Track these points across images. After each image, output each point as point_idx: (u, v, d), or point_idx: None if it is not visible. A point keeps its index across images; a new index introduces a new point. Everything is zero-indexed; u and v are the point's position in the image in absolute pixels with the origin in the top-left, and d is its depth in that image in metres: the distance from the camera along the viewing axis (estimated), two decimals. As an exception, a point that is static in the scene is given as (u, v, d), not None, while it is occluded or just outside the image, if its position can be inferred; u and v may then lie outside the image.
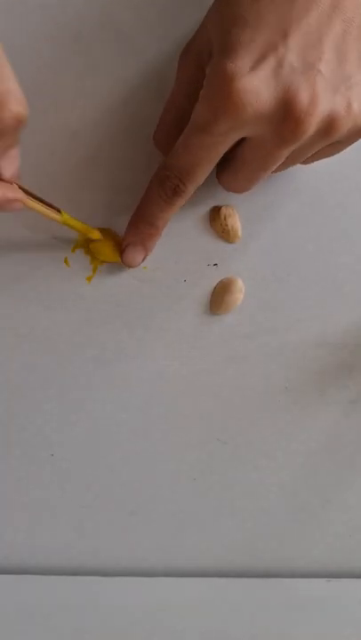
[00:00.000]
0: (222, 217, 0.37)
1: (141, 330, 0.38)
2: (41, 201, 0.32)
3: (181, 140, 0.30)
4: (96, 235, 0.36)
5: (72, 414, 0.39)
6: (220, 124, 0.27)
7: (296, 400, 0.39)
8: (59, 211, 0.33)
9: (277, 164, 0.30)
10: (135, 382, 0.39)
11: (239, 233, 0.37)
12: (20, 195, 0.30)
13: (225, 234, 0.37)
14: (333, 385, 0.39)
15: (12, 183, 0.30)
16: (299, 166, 0.37)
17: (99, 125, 0.35)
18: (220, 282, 0.38)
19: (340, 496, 0.40)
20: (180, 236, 0.37)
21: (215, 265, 0.38)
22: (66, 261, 0.37)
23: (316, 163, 0.37)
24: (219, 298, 0.38)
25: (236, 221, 0.37)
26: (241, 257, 0.38)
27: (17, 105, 0.26)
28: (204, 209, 0.37)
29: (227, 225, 0.37)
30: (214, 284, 0.38)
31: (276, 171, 0.32)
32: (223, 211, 0.37)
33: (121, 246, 0.36)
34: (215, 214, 0.37)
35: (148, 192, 0.33)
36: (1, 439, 0.39)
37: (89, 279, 0.38)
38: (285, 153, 0.29)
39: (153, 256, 0.37)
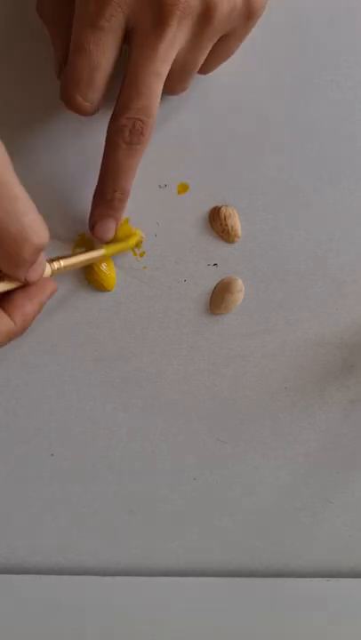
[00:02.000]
0: (222, 217, 0.37)
1: (141, 329, 0.38)
2: (77, 254, 0.34)
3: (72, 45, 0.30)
4: (135, 240, 0.37)
5: (72, 414, 0.39)
6: (106, 9, 0.28)
7: (296, 400, 0.39)
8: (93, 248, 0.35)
9: (164, 65, 0.30)
10: (135, 382, 0.39)
11: (239, 233, 0.37)
12: (52, 284, 0.32)
13: (225, 234, 0.37)
14: (333, 385, 0.39)
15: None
16: (297, 165, 0.37)
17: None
18: (220, 282, 0.38)
19: (340, 495, 0.40)
20: (180, 235, 0.37)
21: (215, 265, 0.38)
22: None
23: (314, 162, 0.37)
24: (219, 298, 0.38)
25: (236, 221, 0.37)
26: (241, 257, 0.38)
27: (38, 238, 0.27)
28: (205, 209, 0.37)
29: (227, 225, 0.37)
30: (214, 284, 0.38)
31: (176, 84, 0.32)
32: (223, 211, 0.37)
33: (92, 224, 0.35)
34: (215, 214, 0.37)
35: (108, 154, 0.32)
36: (1, 439, 0.39)
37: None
38: (167, 47, 0.29)
39: (153, 256, 0.37)
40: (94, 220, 0.35)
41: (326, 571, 0.41)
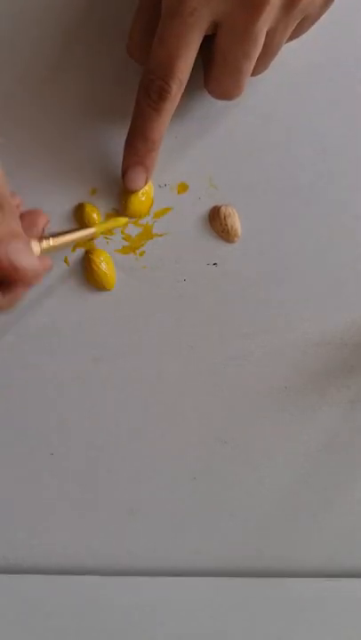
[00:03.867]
0: (222, 217, 0.37)
1: (141, 329, 0.38)
2: (67, 232, 0.34)
3: (157, 37, 0.30)
4: (124, 221, 0.37)
5: (72, 414, 0.39)
6: (187, 2, 0.29)
7: (296, 400, 0.39)
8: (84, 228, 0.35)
9: (256, 47, 0.31)
10: (135, 382, 0.39)
11: (239, 232, 0.37)
12: (48, 261, 0.33)
13: (225, 233, 0.37)
14: (334, 385, 0.39)
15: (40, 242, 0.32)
16: (297, 165, 0.37)
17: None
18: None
19: (340, 495, 0.40)
20: (179, 235, 0.37)
21: (215, 264, 0.38)
22: (66, 261, 0.37)
23: (314, 162, 0.37)
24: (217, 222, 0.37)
25: (236, 221, 0.37)
26: (241, 257, 0.38)
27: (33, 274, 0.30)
28: (204, 209, 0.37)
29: (227, 225, 0.37)
30: (214, 283, 0.38)
31: (259, 65, 0.33)
32: (223, 210, 0.37)
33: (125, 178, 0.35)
34: (215, 214, 0.37)
35: (136, 106, 0.33)
36: (1, 439, 0.39)
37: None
38: (259, 29, 0.30)
39: (153, 255, 0.37)
40: (125, 168, 0.35)
41: (326, 571, 0.41)
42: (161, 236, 0.37)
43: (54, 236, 0.33)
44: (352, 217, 0.38)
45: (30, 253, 0.30)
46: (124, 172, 0.35)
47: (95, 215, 0.37)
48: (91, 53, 0.35)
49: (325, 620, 0.40)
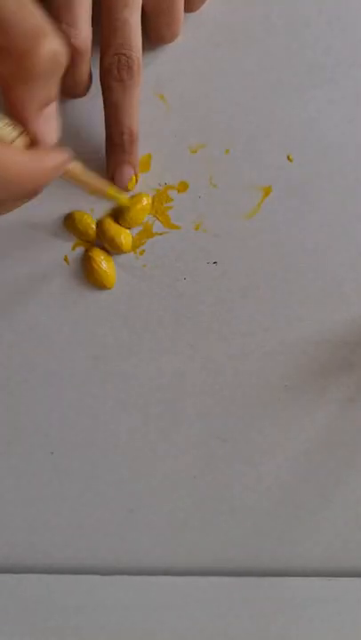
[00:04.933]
0: None
1: (141, 328, 0.38)
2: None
3: (106, 21, 0.30)
4: (127, 202, 0.36)
5: (72, 412, 0.39)
6: None
7: (296, 398, 0.39)
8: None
9: None
10: (135, 380, 0.39)
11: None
12: (68, 157, 0.27)
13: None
14: (333, 383, 0.39)
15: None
16: (296, 164, 0.37)
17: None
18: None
19: (341, 494, 0.40)
20: (179, 234, 0.37)
21: (215, 263, 0.38)
22: (66, 259, 0.37)
23: (315, 161, 0.37)
24: None
25: None
26: (240, 255, 0.38)
27: (54, 40, 0.23)
28: (205, 208, 0.37)
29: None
30: (214, 282, 0.38)
31: (164, 24, 0.33)
32: None
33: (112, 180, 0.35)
34: None
35: (107, 94, 0.32)
36: (1, 437, 0.39)
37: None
38: None
39: (153, 254, 0.38)
40: (112, 169, 0.35)
41: (326, 570, 0.41)
42: (161, 234, 0.37)
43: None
44: (352, 216, 0.38)
45: (57, 126, 0.26)
46: (113, 173, 0.35)
47: (88, 219, 0.37)
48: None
49: (325, 619, 0.40)
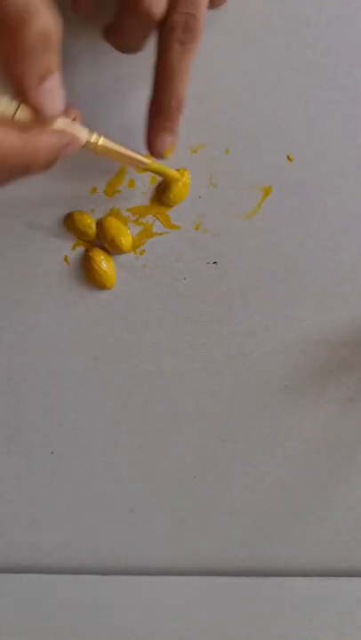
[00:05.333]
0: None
1: (141, 328, 0.38)
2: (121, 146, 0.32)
3: None
4: (177, 175, 0.35)
5: (72, 412, 0.39)
6: None
7: (296, 398, 0.39)
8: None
9: None
10: (135, 380, 0.39)
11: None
12: (75, 136, 0.27)
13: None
14: (333, 383, 0.39)
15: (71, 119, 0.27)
16: (296, 164, 0.37)
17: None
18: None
19: (340, 494, 0.40)
20: (179, 234, 0.37)
21: (215, 263, 0.38)
22: (66, 259, 0.37)
23: (313, 161, 0.37)
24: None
25: None
26: (241, 255, 0.38)
27: (44, 17, 0.23)
28: (205, 208, 0.37)
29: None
30: (214, 282, 0.38)
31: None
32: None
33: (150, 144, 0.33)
34: None
35: (164, 55, 0.31)
36: (1, 437, 0.39)
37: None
38: None
39: (153, 254, 0.38)
40: (153, 133, 0.33)
41: (326, 570, 0.41)
42: (161, 234, 0.37)
43: (105, 137, 0.31)
44: (352, 216, 0.38)
45: (59, 97, 0.25)
46: (154, 137, 0.33)
47: (88, 219, 0.37)
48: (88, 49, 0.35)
49: (325, 619, 0.40)
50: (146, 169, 0.34)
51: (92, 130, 0.29)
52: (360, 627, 0.39)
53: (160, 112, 0.33)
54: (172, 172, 0.36)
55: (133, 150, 0.32)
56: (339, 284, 0.38)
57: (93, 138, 0.30)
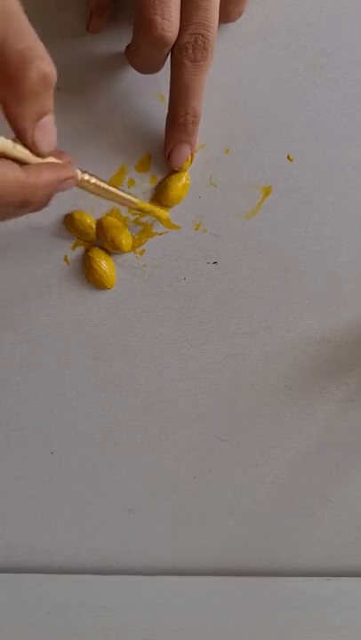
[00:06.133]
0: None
1: (141, 328, 0.38)
2: (111, 184, 0.33)
3: (192, 3, 0.31)
4: (165, 215, 0.37)
5: (72, 412, 0.39)
6: None
7: (296, 398, 0.39)
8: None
9: None
10: (135, 380, 0.39)
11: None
12: (72, 172, 0.28)
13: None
14: (333, 383, 0.39)
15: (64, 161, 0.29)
16: (297, 164, 0.37)
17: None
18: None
19: (340, 494, 0.40)
20: (179, 234, 0.37)
21: (215, 263, 0.38)
22: (65, 259, 0.37)
23: (313, 161, 0.37)
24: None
25: None
26: (241, 256, 0.38)
27: (42, 63, 0.25)
28: (205, 208, 0.37)
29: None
30: (213, 282, 0.38)
31: (234, 2, 0.33)
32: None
33: (167, 154, 0.35)
34: None
35: (178, 72, 0.33)
36: (1, 437, 0.39)
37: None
38: None
39: (153, 254, 0.38)
40: (170, 147, 0.35)
41: (326, 570, 0.41)
42: (161, 234, 0.37)
43: (98, 178, 0.32)
44: (352, 216, 0.38)
45: (53, 135, 0.27)
46: (171, 151, 0.35)
47: (88, 219, 0.37)
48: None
49: (325, 619, 0.40)
50: (136, 208, 0.35)
51: (84, 171, 0.31)
52: (360, 627, 0.39)
53: (177, 126, 0.34)
54: (161, 212, 0.37)
55: (123, 190, 0.34)
56: (339, 284, 0.38)
57: (86, 177, 0.31)
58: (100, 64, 0.35)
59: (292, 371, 0.39)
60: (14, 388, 0.39)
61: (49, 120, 0.27)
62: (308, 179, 0.37)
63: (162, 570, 0.41)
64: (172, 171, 0.37)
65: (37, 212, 0.36)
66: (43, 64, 0.25)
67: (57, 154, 0.29)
